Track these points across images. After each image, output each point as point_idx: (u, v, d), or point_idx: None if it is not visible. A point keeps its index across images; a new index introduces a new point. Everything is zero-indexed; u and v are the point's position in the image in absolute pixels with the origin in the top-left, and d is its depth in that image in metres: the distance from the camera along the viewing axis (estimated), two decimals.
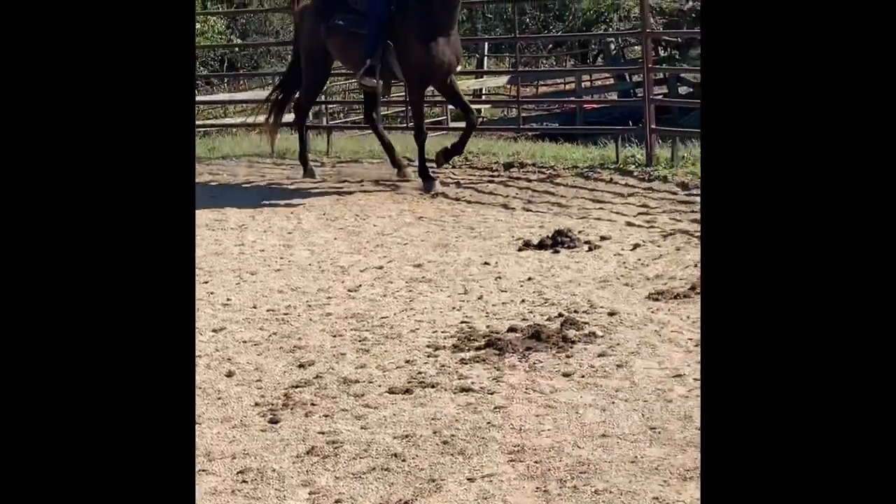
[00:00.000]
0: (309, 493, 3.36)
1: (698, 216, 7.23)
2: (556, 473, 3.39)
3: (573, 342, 4.63)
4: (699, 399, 4.09)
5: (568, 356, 4.48)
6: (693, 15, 30.49)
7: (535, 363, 4.41)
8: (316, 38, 9.37)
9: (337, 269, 6.38)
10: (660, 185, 8.31)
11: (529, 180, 8.96)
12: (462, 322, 5.12)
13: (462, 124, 9.73)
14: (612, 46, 26.50)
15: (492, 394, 4.10)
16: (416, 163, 9.20)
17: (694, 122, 15.50)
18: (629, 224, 7.10)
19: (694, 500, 3.18)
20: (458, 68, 9.99)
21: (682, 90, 24.22)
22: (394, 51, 8.95)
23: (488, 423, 3.82)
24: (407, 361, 4.57)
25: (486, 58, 24.24)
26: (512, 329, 4.85)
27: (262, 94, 13.63)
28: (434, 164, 9.10)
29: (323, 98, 13.38)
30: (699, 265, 6.05)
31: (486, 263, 6.28)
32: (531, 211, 7.83)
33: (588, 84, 24.50)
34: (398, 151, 9.58)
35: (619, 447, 3.55)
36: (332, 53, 9.56)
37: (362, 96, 10.51)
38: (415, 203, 8.38)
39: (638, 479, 3.32)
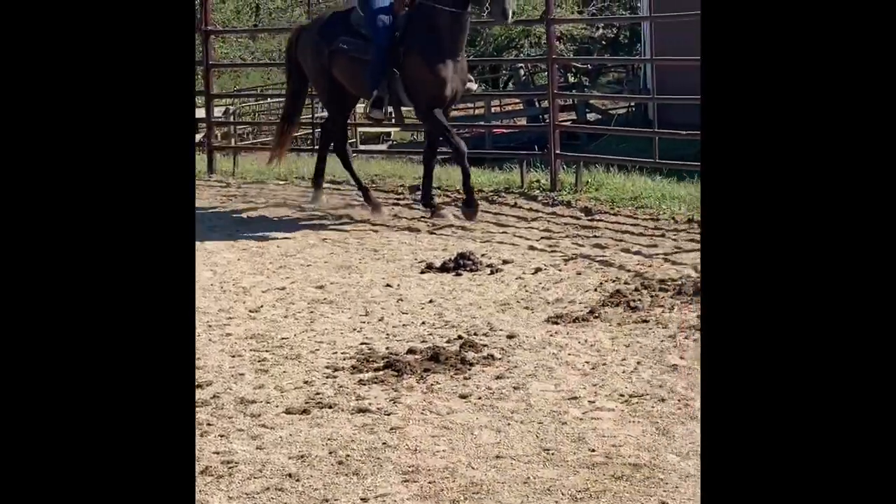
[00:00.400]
0: None
1: (600, 241, 7.44)
2: (449, 494, 3.42)
3: (471, 364, 4.68)
4: (593, 421, 4.21)
5: (466, 378, 4.52)
6: (603, 42, 31.12)
7: (432, 385, 4.45)
8: (320, 60, 8.94)
9: (239, 289, 6.34)
10: (563, 210, 8.46)
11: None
12: (362, 343, 5.14)
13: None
14: (522, 72, 26.91)
15: (388, 415, 4.13)
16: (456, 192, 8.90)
17: (601, 149, 15.80)
18: (531, 248, 7.19)
19: None
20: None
21: (591, 116, 24.68)
22: (400, 79, 8.52)
23: (384, 443, 3.84)
24: (305, 382, 4.57)
25: None
26: (411, 351, 4.88)
27: None
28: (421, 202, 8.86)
29: (232, 119, 13.21)
30: (597, 289, 6.24)
31: (388, 285, 6.30)
32: (435, 234, 7.89)
33: (497, 109, 24.81)
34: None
35: (512, 468, 3.59)
36: (337, 78, 8.98)
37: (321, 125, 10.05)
38: (319, 225, 8.37)
39: (530, 499, 3.37)
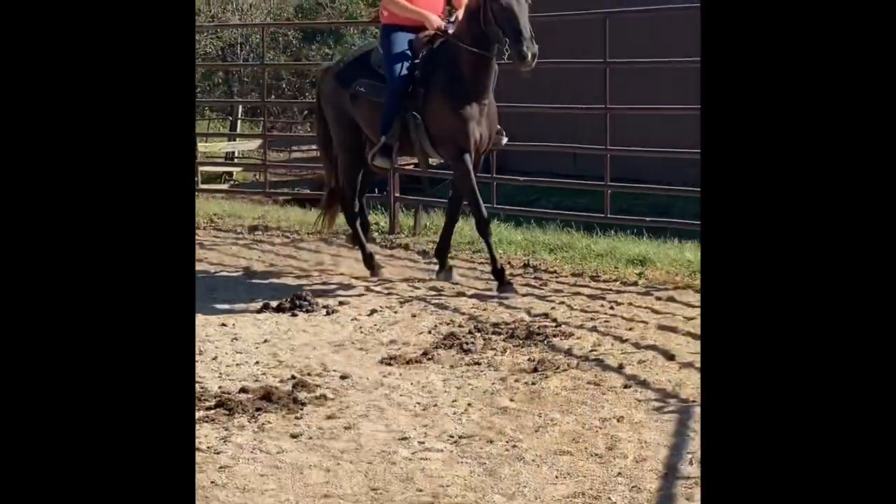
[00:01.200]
0: None
1: (436, 284, 7.54)
2: None
3: (304, 404, 4.70)
4: (421, 461, 4.28)
5: (297, 417, 4.54)
6: None
7: (263, 424, 4.45)
8: (340, 103, 8.05)
9: None
10: (401, 253, 8.60)
11: (273, 244, 9.02)
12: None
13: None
14: None
15: (218, 453, 4.12)
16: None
17: (442, 193, 15.90)
18: (368, 289, 7.26)
19: None
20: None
21: (434, 161, 24.93)
22: (422, 125, 7.67)
23: (212, 482, 3.84)
24: None
25: (240, 121, 24.16)
26: (244, 390, 4.87)
27: None
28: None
29: None
30: (431, 332, 6.33)
31: (223, 325, 6.27)
32: (272, 274, 7.91)
33: None
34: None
35: None
36: (358, 124, 8.01)
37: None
38: None
39: None
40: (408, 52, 7.69)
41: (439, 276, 7.66)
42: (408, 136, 7.68)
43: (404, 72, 7.66)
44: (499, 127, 7.93)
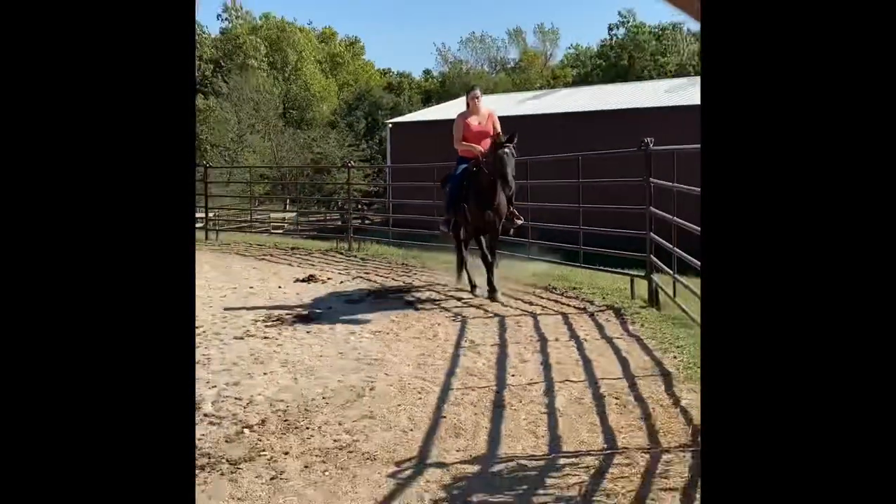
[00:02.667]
0: None
1: (368, 270, 15.74)
2: None
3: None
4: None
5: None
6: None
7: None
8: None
9: None
10: (354, 260, 17.76)
11: None
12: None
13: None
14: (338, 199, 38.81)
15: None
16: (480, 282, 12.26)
17: (372, 234, 25.73)
18: (339, 273, 15.98)
19: None
20: None
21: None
22: (467, 210, 11.83)
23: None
24: None
25: None
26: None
27: None
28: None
29: None
30: (367, 289, 15.12)
31: (279, 287, 13.89)
32: (300, 268, 16.69)
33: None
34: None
35: None
36: None
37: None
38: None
39: None
40: (459, 176, 12.01)
41: (491, 296, 11.96)
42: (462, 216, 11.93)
43: (457, 183, 12.00)
44: (514, 213, 12.00)
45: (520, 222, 12.13)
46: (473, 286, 12.30)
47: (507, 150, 10.93)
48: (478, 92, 12.19)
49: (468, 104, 12.14)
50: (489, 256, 11.77)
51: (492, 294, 11.71)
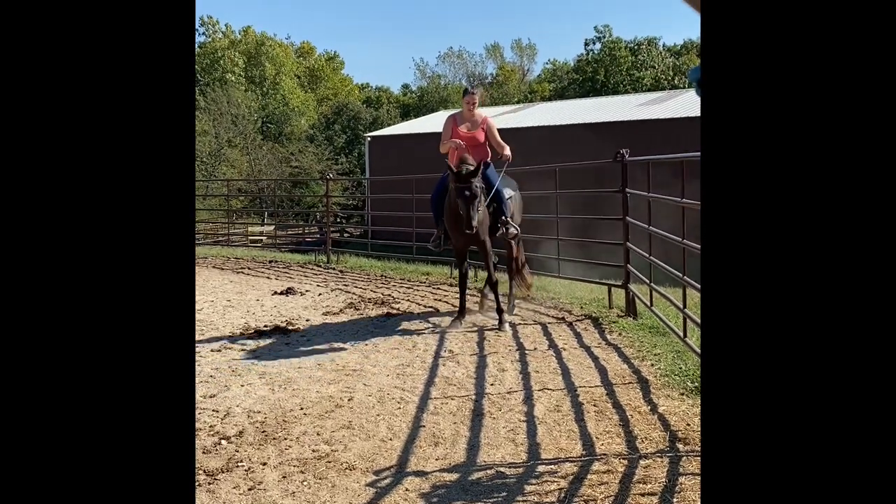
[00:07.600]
0: None
1: (346, 283, 16.58)
2: None
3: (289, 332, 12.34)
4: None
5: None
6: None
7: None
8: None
9: None
10: (332, 272, 17.84)
11: None
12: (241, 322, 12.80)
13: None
14: (318, 214, 39.62)
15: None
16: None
17: (351, 247, 25.84)
18: (318, 286, 16.24)
19: None
20: None
21: (352, 230, 35.00)
22: (447, 227, 11.16)
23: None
24: None
25: None
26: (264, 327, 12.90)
27: None
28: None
29: None
30: (344, 301, 15.00)
31: (257, 300, 14.73)
32: (278, 279, 16.89)
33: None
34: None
35: None
36: None
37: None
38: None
39: None
40: (439, 185, 11.45)
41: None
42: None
43: (437, 202, 11.48)
44: (507, 223, 11.14)
45: (514, 231, 11.30)
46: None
47: (466, 189, 10.17)
48: (475, 95, 11.49)
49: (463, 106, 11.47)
50: (490, 276, 11.24)
51: (500, 326, 10.79)
